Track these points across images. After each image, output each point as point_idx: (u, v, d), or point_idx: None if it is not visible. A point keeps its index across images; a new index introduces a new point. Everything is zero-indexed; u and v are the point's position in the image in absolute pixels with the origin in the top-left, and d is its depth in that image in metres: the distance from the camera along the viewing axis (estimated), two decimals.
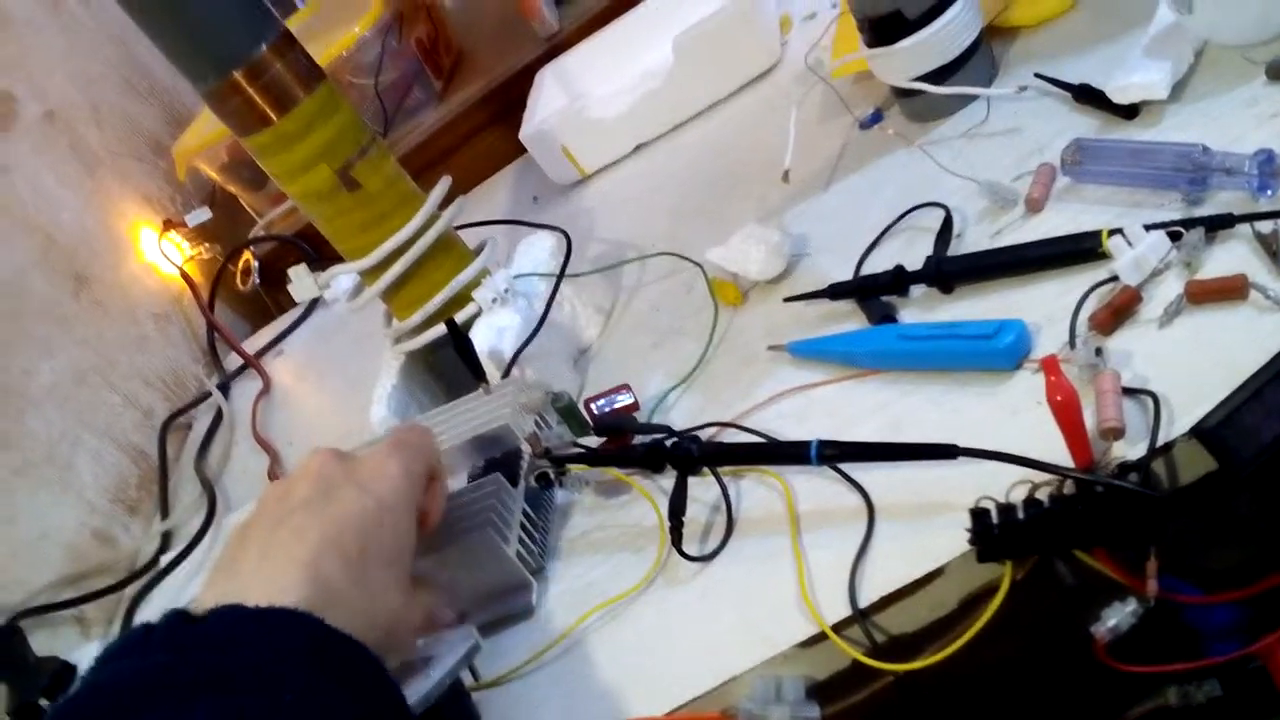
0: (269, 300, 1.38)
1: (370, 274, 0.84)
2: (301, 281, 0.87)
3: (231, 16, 0.77)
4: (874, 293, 0.72)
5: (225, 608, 0.45)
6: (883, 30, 0.79)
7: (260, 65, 0.77)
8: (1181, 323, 0.58)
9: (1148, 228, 0.61)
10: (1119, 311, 0.59)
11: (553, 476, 0.71)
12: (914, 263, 0.71)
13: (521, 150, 1.15)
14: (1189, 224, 0.61)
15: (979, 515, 0.53)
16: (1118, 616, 0.51)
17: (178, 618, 0.45)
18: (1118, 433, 0.53)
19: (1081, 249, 0.64)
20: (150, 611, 0.99)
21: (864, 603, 0.56)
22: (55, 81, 1.35)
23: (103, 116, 1.40)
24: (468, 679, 0.67)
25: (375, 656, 0.46)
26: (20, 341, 1.13)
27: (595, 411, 0.75)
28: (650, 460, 0.67)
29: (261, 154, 0.80)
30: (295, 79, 0.78)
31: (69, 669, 0.87)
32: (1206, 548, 0.55)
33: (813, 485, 0.64)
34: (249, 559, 0.50)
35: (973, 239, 0.72)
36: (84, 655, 0.90)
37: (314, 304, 1.32)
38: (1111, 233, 0.62)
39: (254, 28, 0.77)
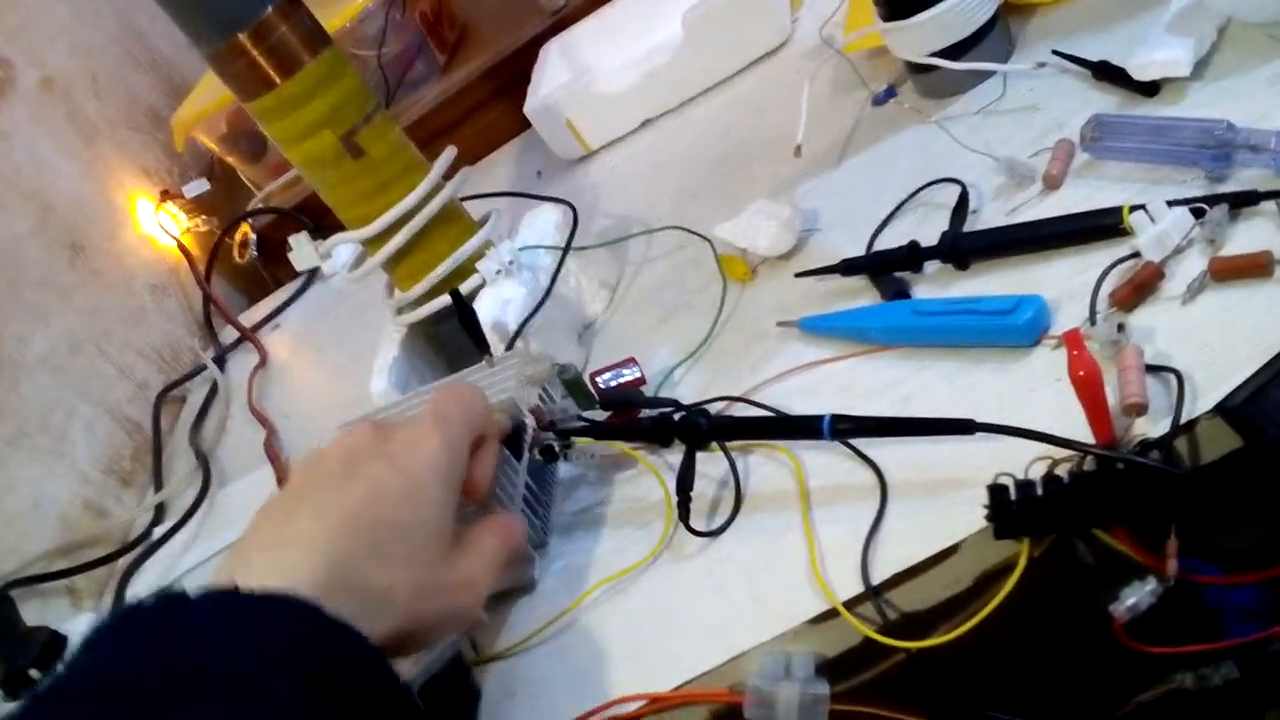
0: (266, 273, 1.37)
1: (373, 243, 0.83)
2: (302, 249, 0.86)
3: None
4: (887, 268, 0.71)
5: (217, 592, 0.43)
6: (899, 4, 0.78)
7: (265, 27, 0.75)
8: (1205, 300, 0.57)
9: (1170, 204, 0.60)
10: (1141, 288, 0.58)
11: (557, 450, 0.70)
12: (928, 239, 0.70)
13: (526, 125, 1.14)
14: (1212, 200, 0.59)
15: (997, 491, 0.52)
16: (1137, 596, 0.50)
17: (168, 601, 0.43)
18: (1141, 408, 0.52)
19: (1102, 225, 0.62)
20: (143, 584, 0.98)
21: (876, 579, 0.55)
22: (54, 49, 1.33)
23: (101, 86, 1.38)
24: (468, 653, 0.66)
25: (377, 651, 0.44)
26: (15, 309, 1.12)
27: (601, 385, 0.74)
28: (657, 434, 0.66)
29: (265, 119, 0.79)
30: (300, 42, 0.77)
31: (59, 639, 0.86)
32: (1228, 527, 0.54)
33: (824, 461, 0.63)
34: (262, 537, 0.48)
35: (989, 216, 0.71)
36: (75, 626, 0.89)
37: (311, 278, 1.31)
38: (1133, 209, 0.61)
39: None
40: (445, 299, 0.82)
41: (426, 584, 0.49)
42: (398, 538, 0.49)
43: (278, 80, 0.76)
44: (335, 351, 1.16)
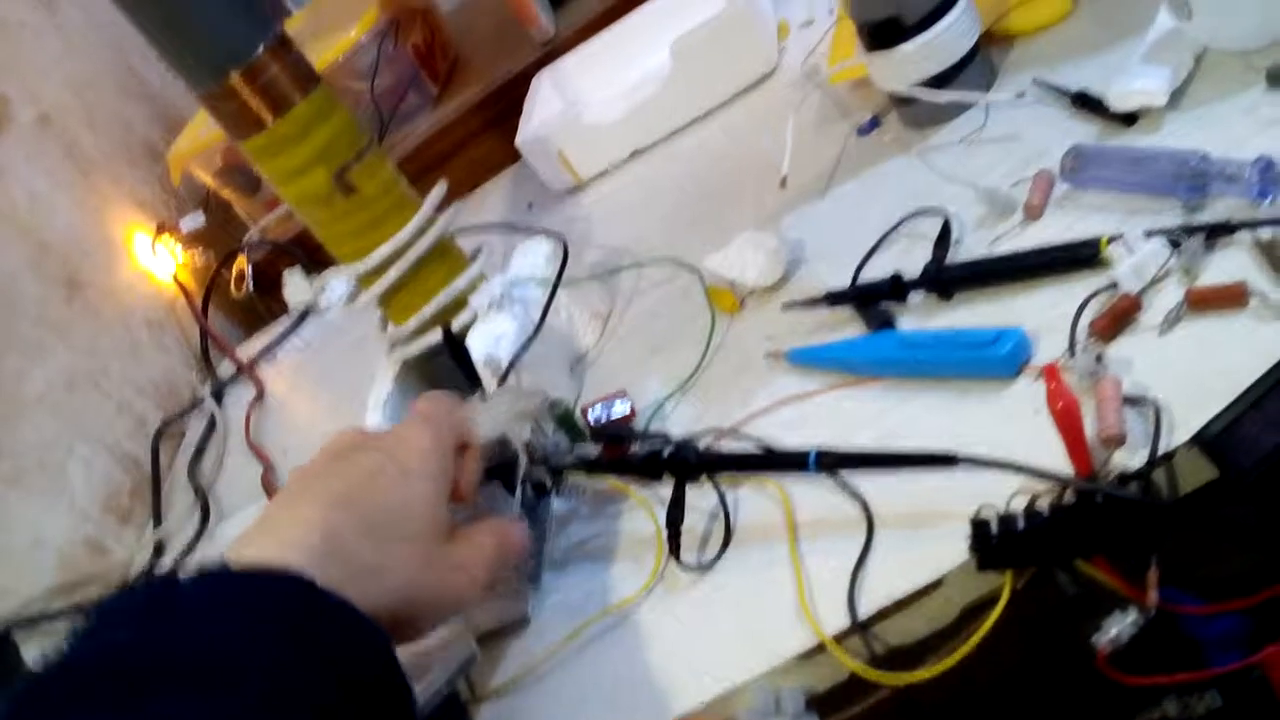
0: (262, 306, 1.37)
1: (366, 279, 0.84)
2: (296, 285, 0.87)
3: (229, 19, 0.76)
4: (872, 300, 0.72)
5: (211, 570, 0.43)
6: (881, 35, 0.79)
7: (257, 68, 0.76)
8: (1182, 330, 0.57)
9: (1147, 234, 0.61)
10: (1119, 318, 0.59)
11: (549, 485, 0.70)
12: (912, 269, 0.71)
13: (517, 156, 1.15)
14: (1189, 231, 0.60)
15: (979, 525, 0.52)
16: (1118, 626, 0.51)
17: (161, 583, 0.43)
18: (1118, 441, 0.53)
19: (1081, 256, 0.63)
20: None
21: (863, 613, 0.56)
22: (50, 85, 1.35)
23: (97, 120, 1.40)
24: (464, 691, 0.66)
25: (371, 625, 0.44)
26: (12, 347, 1.13)
27: (592, 419, 0.75)
28: (648, 468, 0.67)
29: (258, 157, 0.80)
30: (292, 82, 0.78)
31: None
32: (1208, 557, 0.55)
33: (811, 493, 0.64)
34: (261, 524, 0.49)
35: (971, 246, 0.72)
36: None
37: (308, 311, 1.31)
38: (1111, 239, 0.62)
39: (251, 30, 0.76)
40: (438, 333, 0.83)
41: (419, 564, 0.49)
42: (390, 520, 0.49)
43: (270, 120, 0.77)
44: (332, 384, 1.17)
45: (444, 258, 0.86)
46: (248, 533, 0.49)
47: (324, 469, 0.51)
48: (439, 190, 0.85)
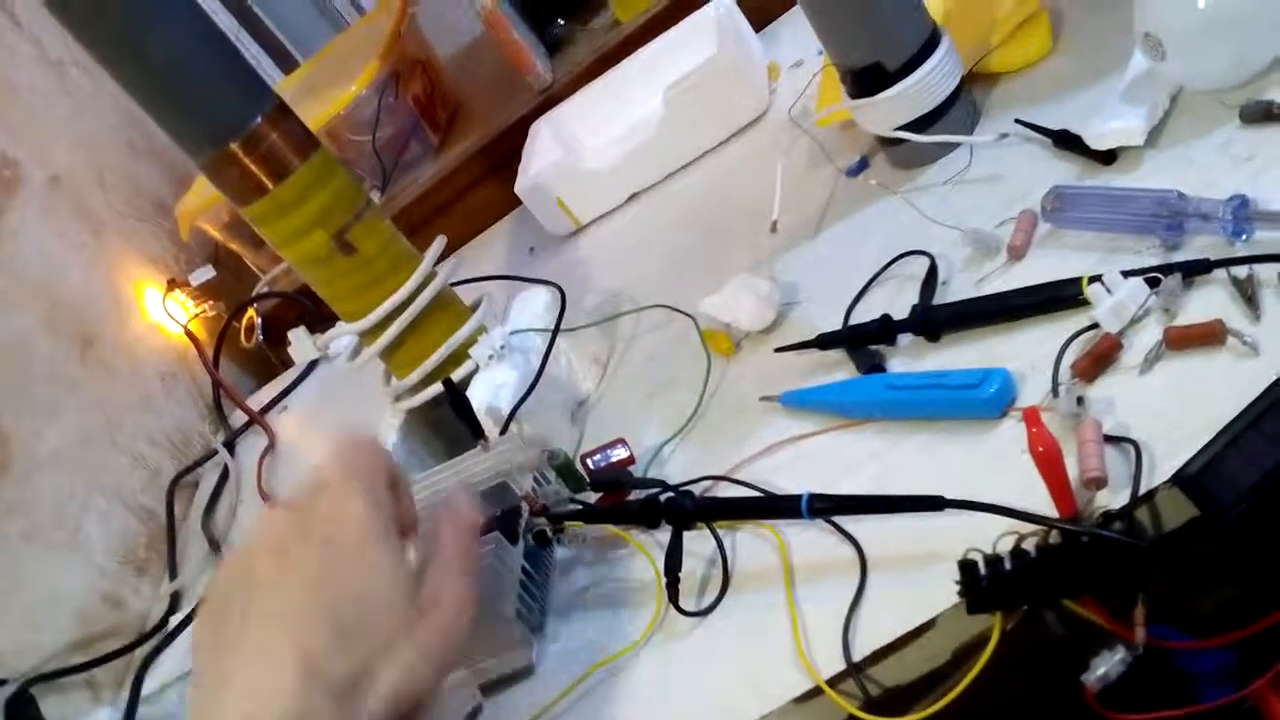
0: (273, 356, 1.40)
1: (368, 334, 0.86)
2: (301, 343, 0.88)
3: (227, 90, 0.78)
4: (862, 342, 0.73)
5: None
6: (864, 81, 0.81)
7: (256, 136, 0.78)
8: (1161, 369, 0.58)
9: (1126, 274, 0.62)
10: (1100, 359, 0.60)
11: (550, 534, 0.72)
12: (901, 310, 0.72)
13: (518, 201, 1.17)
14: (1166, 270, 0.61)
15: (967, 568, 0.53)
16: (1107, 665, 0.52)
17: None
18: (1100, 482, 0.54)
19: (1063, 296, 0.64)
20: (160, 674, 0.99)
21: (858, 656, 0.57)
22: (60, 147, 1.37)
23: (106, 179, 1.42)
24: None
25: None
26: (27, 406, 1.15)
27: (591, 466, 0.76)
28: (645, 516, 0.68)
29: (259, 222, 0.82)
30: (290, 148, 0.80)
31: None
32: (1195, 593, 0.56)
33: (806, 537, 0.65)
34: (221, 666, 0.45)
35: (958, 286, 0.73)
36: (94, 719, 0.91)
37: (317, 360, 1.33)
38: (1091, 279, 0.63)
39: (249, 100, 0.79)
40: (440, 386, 0.85)
41: (403, 638, 0.46)
42: (361, 610, 0.46)
43: (269, 186, 0.79)
44: (341, 432, 1.19)
45: (444, 310, 0.87)
46: (210, 678, 0.45)
47: (269, 575, 0.47)
48: (437, 245, 0.87)
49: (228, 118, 0.78)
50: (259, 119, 0.78)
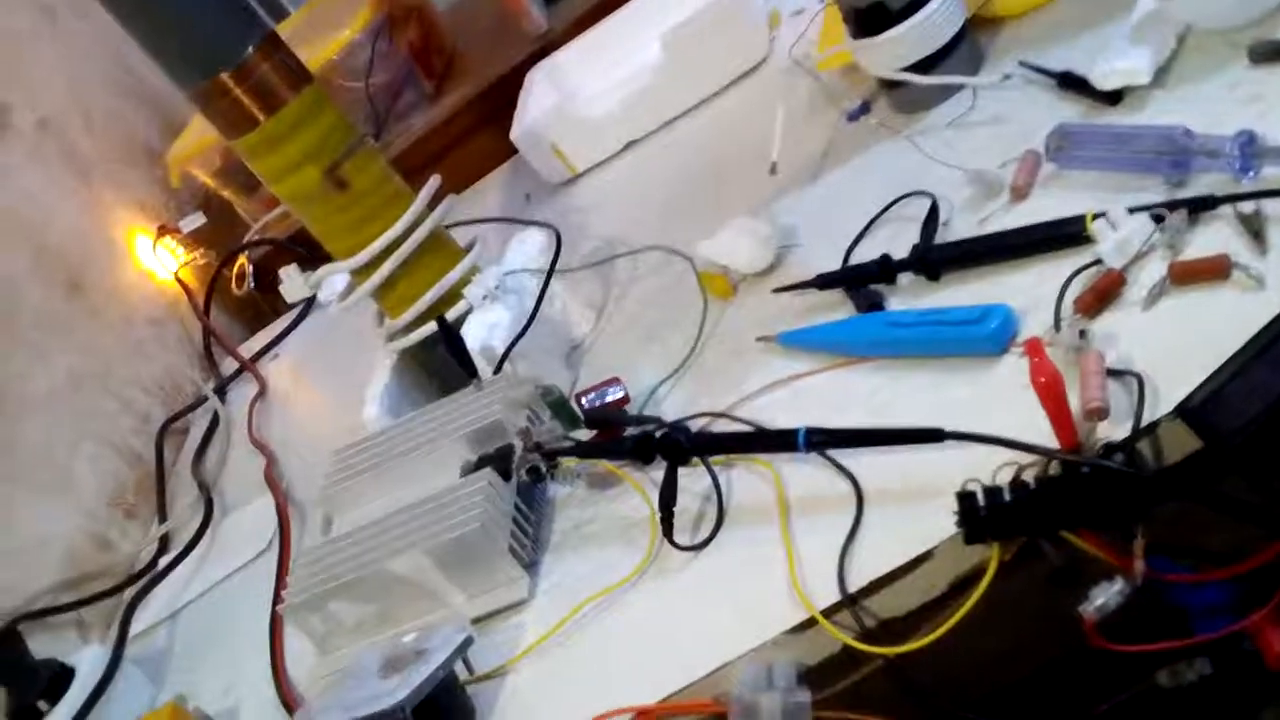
0: (264, 303, 1.38)
1: (361, 273, 0.85)
2: (292, 281, 0.88)
3: (218, 19, 0.77)
4: (861, 282, 0.73)
5: None
6: (867, 21, 0.80)
7: (247, 67, 0.77)
8: (1165, 304, 0.58)
9: (1131, 210, 0.61)
10: (1103, 294, 0.59)
11: (544, 470, 0.71)
12: (902, 252, 0.72)
13: (514, 150, 1.16)
14: (1172, 206, 0.61)
15: (965, 498, 0.53)
16: (1105, 596, 0.51)
17: None
18: (1102, 413, 0.53)
19: (1066, 233, 0.64)
20: (148, 615, 0.99)
21: (853, 587, 0.57)
22: (50, 90, 1.36)
23: (96, 124, 1.41)
24: (462, 672, 0.67)
25: None
26: (15, 348, 1.14)
27: (586, 405, 0.75)
28: (640, 451, 0.68)
29: (249, 155, 0.81)
30: (282, 80, 0.79)
31: (67, 671, 0.87)
32: (1196, 527, 0.55)
33: (803, 473, 0.64)
34: None
35: (959, 227, 0.72)
36: (83, 657, 0.90)
37: (309, 306, 1.32)
38: (1095, 216, 0.62)
39: (240, 30, 0.78)
40: (434, 325, 0.84)
41: None
42: None
43: (260, 118, 0.78)
44: (334, 378, 1.18)
45: (438, 250, 0.87)
46: None
47: None
48: (432, 184, 0.86)
49: (219, 46, 0.77)
50: (251, 49, 0.77)
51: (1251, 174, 0.60)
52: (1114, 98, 0.71)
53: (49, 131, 1.32)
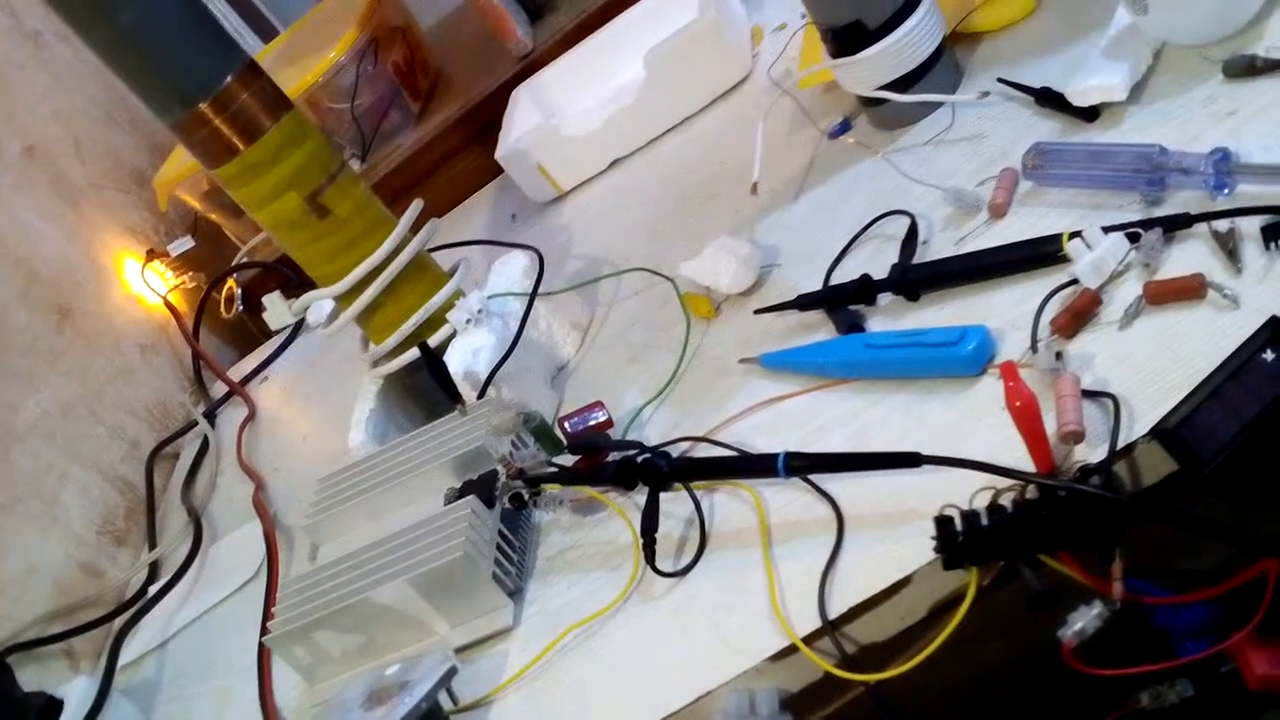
0: (253, 326, 1.38)
1: (344, 299, 0.85)
2: (276, 308, 0.88)
3: (196, 50, 0.77)
4: (841, 302, 0.73)
5: None
6: (845, 40, 0.80)
7: (226, 96, 0.77)
8: (1141, 324, 0.58)
9: (1106, 230, 0.61)
10: (1079, 315, 0.59)
11: (526, 497, 0.71)
12: (881, 271, 0.72)
13: (500, 169, 1.16)
14: (1147, 224, 0.61)
15: (943, 523, 0.53)
16: (1083, 620, 0.51)
17: None
18: (1077, 436, 0.53)
19: (1042, 253, 0.64)
20: (138, 643, 0.99)
21: (834, 613, 0.57)
22: (36, 117, 1.36)
23: (84, 150, 1.41)
24: (446, 703, 0.67)
25: None
26: (4, 377, 1.14)
27: (569, 430, 0.75)
28: (621, 478, 0.68)
29: (230, 184, 0.81)
30: (262, 108, 0.79)
31: (55, 704, 0.87)
32: (1176, 549, 0.55)
33: (784, 497, 0.64)
34: None
35: (938, 246, 0.72)
36: (72, 689, 0.90)
37: (298, 329, 1.32)
38: (1071, 236, 0.62)
39: (218, 60, 0.78)
40: (418, 350, 0.84)
41: None
42: None
43: (240, 147, 0.78)
44: (322, 401, 1.18)
45: (421, 274, 0.86)
46: None
47: None
48: (414, 209, 0.86)
49: (196, 77, 0.77)
50: (229, 79, 0.77)
51: (1226, 191, 0.60)
52: (1091, 114, 0.71)
53: (36, 159, 1.32)
